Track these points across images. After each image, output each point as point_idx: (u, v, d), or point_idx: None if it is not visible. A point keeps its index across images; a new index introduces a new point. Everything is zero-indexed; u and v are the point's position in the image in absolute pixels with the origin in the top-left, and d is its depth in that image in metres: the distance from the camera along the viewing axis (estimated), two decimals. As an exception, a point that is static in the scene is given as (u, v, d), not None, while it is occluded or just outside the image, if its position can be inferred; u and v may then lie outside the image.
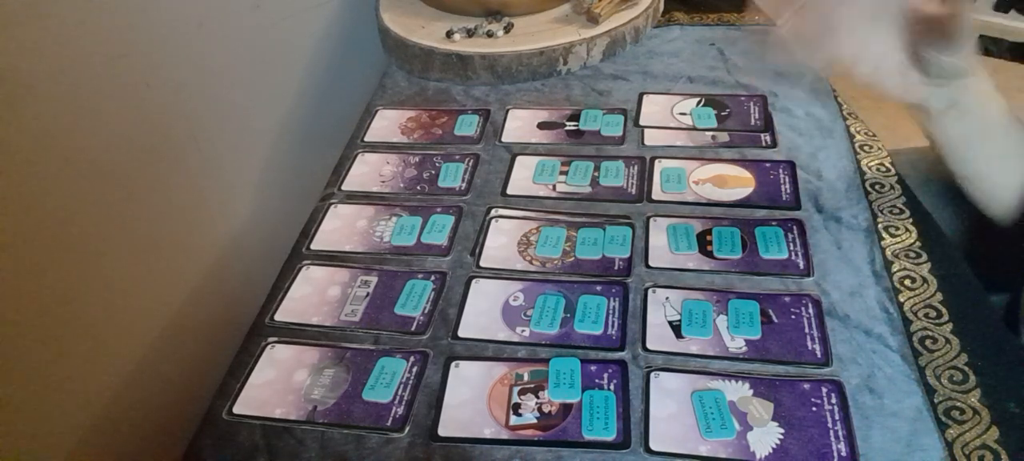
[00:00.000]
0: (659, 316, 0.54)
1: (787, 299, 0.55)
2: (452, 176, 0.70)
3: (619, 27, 0.85)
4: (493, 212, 0.66)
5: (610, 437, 0.47)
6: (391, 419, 0.49)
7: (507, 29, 0.84)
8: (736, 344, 0.52)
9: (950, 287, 0.54)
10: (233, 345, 0.56)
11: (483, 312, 0.56)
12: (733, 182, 0.66)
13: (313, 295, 0.59)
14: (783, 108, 0.75)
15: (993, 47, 2.36)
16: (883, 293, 0.55)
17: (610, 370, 0.51)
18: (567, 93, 0.81)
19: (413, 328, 0.56)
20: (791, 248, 0.59)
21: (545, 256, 0.60)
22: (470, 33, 0.84)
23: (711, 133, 0.73)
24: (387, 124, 0.79)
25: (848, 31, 0.54)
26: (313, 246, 0.64)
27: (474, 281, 0.59)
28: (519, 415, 0.49)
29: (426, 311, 0.57)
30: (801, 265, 0.57)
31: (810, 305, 0.54)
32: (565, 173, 0.69)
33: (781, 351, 0.51)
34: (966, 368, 0.49)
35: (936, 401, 0.47)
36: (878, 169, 0.66)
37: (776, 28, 0.57)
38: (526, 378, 0.51)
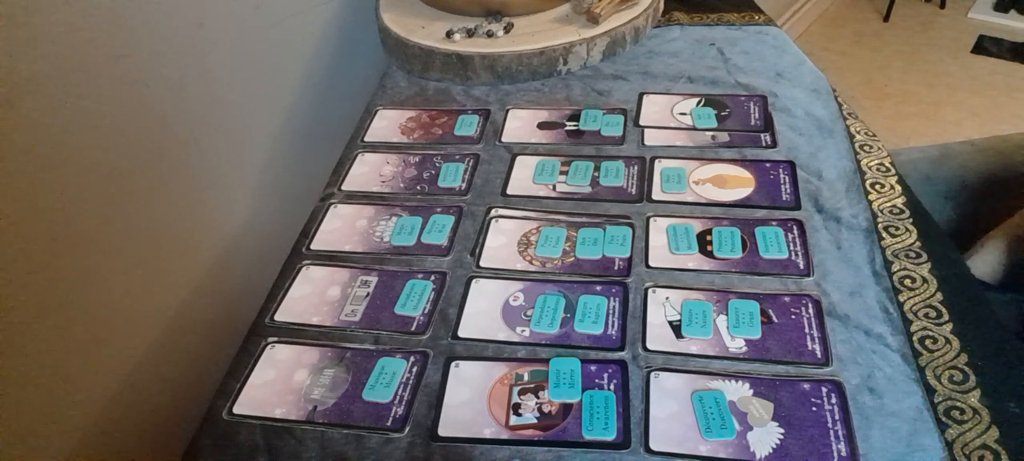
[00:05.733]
0: (659, 316, 0.54)
1: (787, 299, 0.55)
2: (452, 176, 0.70)
3: (619, 27, 0.85)
4: (493, 212, 0.66)
5: (610, 437, 0.47)
6: (391, 419, 0.49)
7: (507, 29, 0.84)
8: (736, 344, 0.52)
9: (950, 287, 0.54)
10: (233, 345, 0.56)
11: (483, 312, 0.56)
12: (733, 182, 0.66)
13: (313, 295, 0.59)
14: (783, 108, 0.75)
15: (993, 47, 2.37)
16: (883, 293, 0.55)
17: (610, 370, 0.51)
18: (567, 93, 0.81)
19: (413, 328, 0.56)
20: (791, 248, 0.59)
21: (545, 256, 0.60)
22: (470, 33, 0.84)
23: (711, 133, 0.73)
24: (387, 124, 0.79)
25: None
26: (313, 246, 0.64)
27: (474, 281, 0.59)
28: (519, 415, 0.49)
29: (426, 311, 0.57)
30: (801, 265, 0.57)
31: (810, 305, 0.54)
32: (565, 173, 0.69)
33: (781, 351, 0.51)
34: (966, 368, 0.49)
35: (936, 401, 0.47)
36: (878, 169, 0.66)
37: None
38: (526, 378, 0.51)
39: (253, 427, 0.50)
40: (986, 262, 0.61)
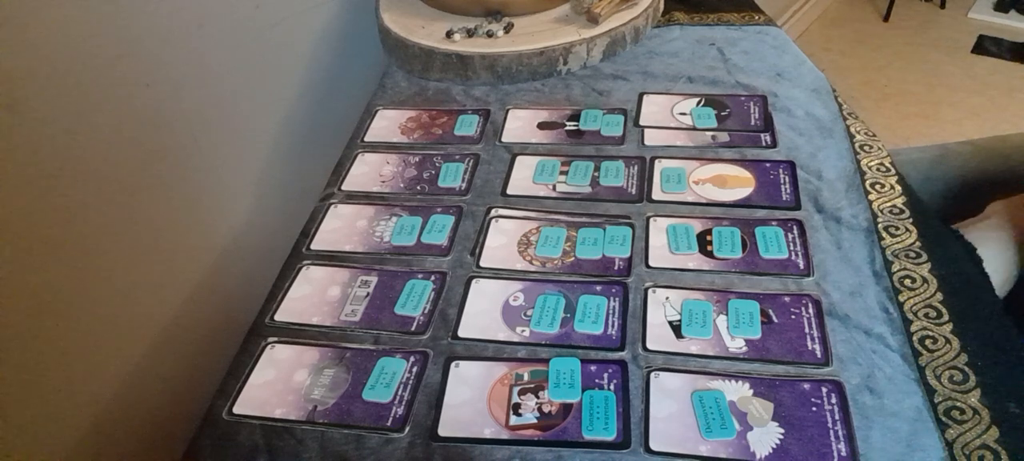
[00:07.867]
0: (659, 316, 0.54)
1: (787, 299, 0.55)
2: (452, 176, 0.70)
3: (619, 27, 0.85)
4: (493, 212, 0.66)
5: (610, 437, 0.47)
6: (391, 419, 0.49)
7: (507, 29, 0.84)
8: (736, 344, 0.52)
9: (950, 287, 0.54)
10: (233, 345, 0.56)
11: (483, 312, 0.56)
12: (733, 182, 0.66)
13: (313, 295, 0.59)
14: (783, 108, 0.75)
15: (993, 47, 2.37)
16: (883, 293, 0.55)
17: (610, 370, 0.51)
18: (567, 93, 0.81)
19: (413, 328, 0.56)
20: (791, 248, 0.59)
21: (545, 256, 0.60)
22: (470, 33, 0.84)
23: (711, 133, 0.73)
24: (387, 124, 0.79)
25: None
26: (313, 246, 0.64)
27: (474, 281, 0.59)
28: (519, 415, 0.49)
29: (426, 311, 0.57)
30: (801, 265, 0.57)
31: (810, 305, 0.54)
32: (565, 173, 0.69)
33: (781, 351, 0.51)
34: (966, 368, 0.49)
35: (936, 401, 0.47)
36: (878, 169, 0.66)
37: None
38: (526, 378, 0.51)
39: (253, 427, 0.50)
40: (991, 245, 0.62)
